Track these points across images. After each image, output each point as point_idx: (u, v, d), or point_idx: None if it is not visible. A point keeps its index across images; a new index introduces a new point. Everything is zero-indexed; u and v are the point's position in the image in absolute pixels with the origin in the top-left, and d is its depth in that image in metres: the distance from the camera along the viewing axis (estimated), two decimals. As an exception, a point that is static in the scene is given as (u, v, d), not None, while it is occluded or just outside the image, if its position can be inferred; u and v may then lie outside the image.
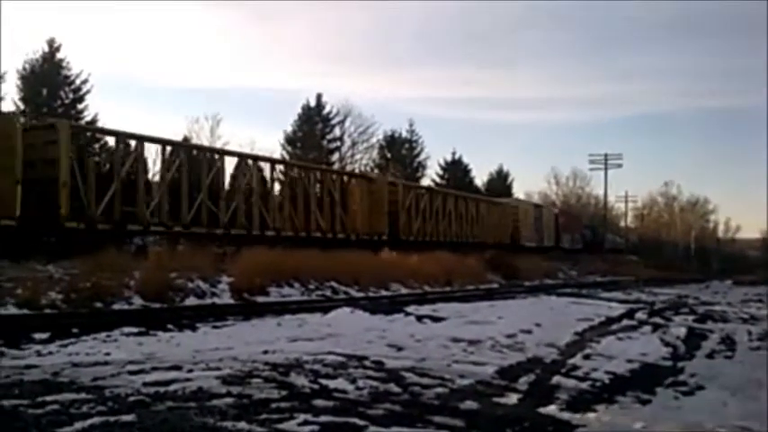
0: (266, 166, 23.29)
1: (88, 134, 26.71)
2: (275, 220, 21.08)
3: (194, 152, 21.78)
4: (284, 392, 4.95)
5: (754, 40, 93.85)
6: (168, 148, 19.43)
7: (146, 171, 18.34)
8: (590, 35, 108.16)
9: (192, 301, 12.57)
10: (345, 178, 26.37)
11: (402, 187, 27.81)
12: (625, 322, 11.82)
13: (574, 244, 48.01)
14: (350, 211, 24.51)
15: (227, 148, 30.14)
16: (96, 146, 29.05)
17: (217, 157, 20.74)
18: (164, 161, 18.69)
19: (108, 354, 6.55)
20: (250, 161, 22.07)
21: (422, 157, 52.50)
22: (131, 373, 5.41)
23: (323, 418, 4.24)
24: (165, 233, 17.74)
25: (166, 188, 18.08)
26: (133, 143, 18.16)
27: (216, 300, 12.95)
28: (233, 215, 19.73)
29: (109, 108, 46.89)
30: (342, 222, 23.83)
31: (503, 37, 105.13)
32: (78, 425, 3.88)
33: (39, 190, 14.84)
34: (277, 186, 23.52)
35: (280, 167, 24.24)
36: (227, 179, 21.29)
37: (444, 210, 30.62)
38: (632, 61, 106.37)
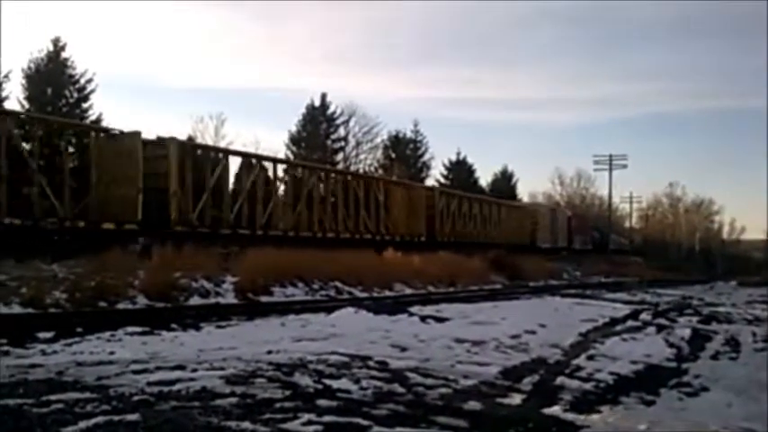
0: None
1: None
2: (332, 224, 23.22)
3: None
4: (288, 392, 4.94)
5: (755, 39, 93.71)
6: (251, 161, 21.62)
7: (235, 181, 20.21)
8: (591, 35, 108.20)
9: (196, 300, 12.58)
10: (388, 185, 28.50)
11: (438, 193, 30.90)
12: (629, 323, 11.80)
13: (584, 245, 48.83)
14: (392, 215, 26.51)
15: (232, 147, 31.03)
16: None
17: (283, 167, 22.93)
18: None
19: (112, 353, 6.54)
20: (305, 170, 24.22)
21: (426, 157, 52.61)
22: (135, 372, 5.41)
23: (327, 418, 4.24)
24: (247, 236, 19.19)
25: (246, 195, 19.97)
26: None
27: (220, 299, 12.96)
28: (297, 220, 21.81)
29: (112, 107, 47.13)
30: (386, 225, 25.99)
31: (505, 37, 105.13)
32: (82, 424, 3.88)
33: (153, 198, 16.75)
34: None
35: (332, 175, 25.77)
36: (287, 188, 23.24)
37: (471, 213, 33.10)
38: (635, 61, 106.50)
